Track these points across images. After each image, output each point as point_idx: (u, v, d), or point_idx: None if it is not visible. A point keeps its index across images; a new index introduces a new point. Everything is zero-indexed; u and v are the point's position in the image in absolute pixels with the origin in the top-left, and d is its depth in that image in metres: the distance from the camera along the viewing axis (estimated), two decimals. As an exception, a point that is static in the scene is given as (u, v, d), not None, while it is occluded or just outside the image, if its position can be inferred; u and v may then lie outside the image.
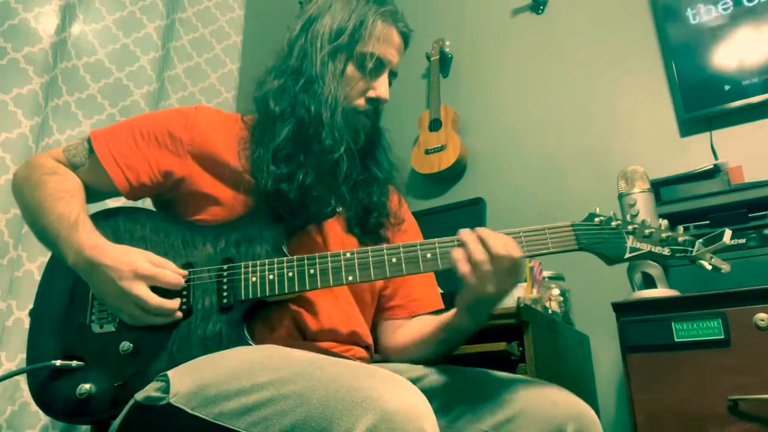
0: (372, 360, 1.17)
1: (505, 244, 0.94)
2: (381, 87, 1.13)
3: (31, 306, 1.09)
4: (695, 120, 1.92)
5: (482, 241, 0.94)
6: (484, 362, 1.29)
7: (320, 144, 1.06)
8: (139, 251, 0.99)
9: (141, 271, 0.95)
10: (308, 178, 1.05)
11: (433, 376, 1.06)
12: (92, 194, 1.12)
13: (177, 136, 1.09)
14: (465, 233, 0.97)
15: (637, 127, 2.02)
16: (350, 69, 1.11)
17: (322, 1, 1.16)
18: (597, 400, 1.83)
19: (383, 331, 1.23)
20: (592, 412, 0.98)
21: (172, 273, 0.98)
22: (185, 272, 1.00)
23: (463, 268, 0.94)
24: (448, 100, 2.33)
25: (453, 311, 1.07)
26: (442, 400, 0.99)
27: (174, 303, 0.97)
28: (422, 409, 0.73)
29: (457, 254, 0.95)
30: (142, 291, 0.95)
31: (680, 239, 0.97)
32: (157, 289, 0.97)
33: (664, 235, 0.97)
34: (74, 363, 0.99)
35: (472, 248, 0.94)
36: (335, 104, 1.08)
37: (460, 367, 1.09)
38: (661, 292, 1.38)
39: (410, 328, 1.19)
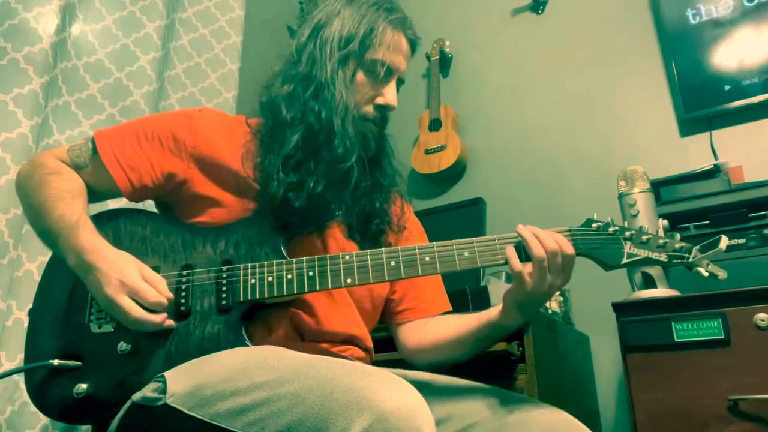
0: (371, 362, 1.16)
1: (558, 241, 0.95)
2: (389, 94, 1.12)
3: (30, 306, 1.09)
4: (695, 120, 1.91)
5: (538, 238, 0.95)
6: (484, 362, 1.29)
7: (331, 152, 1.06)
8: (135, 262, 0.98)
9: (127, 282, 0.94)
10: (318, 187, 1.05)
11: (437, 385, 1.06)
12: (94, 195, 1.12)
13: (180, 138, 1.09)
14: (522, 230, 0.97)
15: (637, 127, 2.02)
16: (360, 76, 1.11)
17: (330, 8, 1.15)
18: (597, 400, 1.83)
19: (403, 335, 1.21)
20: None
21: (155, 293, 0.96)
22: (170, 296, 0.98)
23: (517, 265, 0.95)
24: (448, 100, 2.33)
25: (497, 308, 1.05)
26: (439, 412, 0.99)
27: (157, 317, 0.96)
28: (418, 409, 0.73)
29: (511, 251, 0.96)
30: (124, 302, 0.94)
31: (677, 245, 0.97)
32: None
33: (661, 241, 0.98)
34: (72, 362, 0.99)
35: (533, 246, 0.94)
36: (346, 111, 1.08)
37: (460, 379, 1.08)
38: (661, 292, 1.38)
39: (440, 327, 1.17)
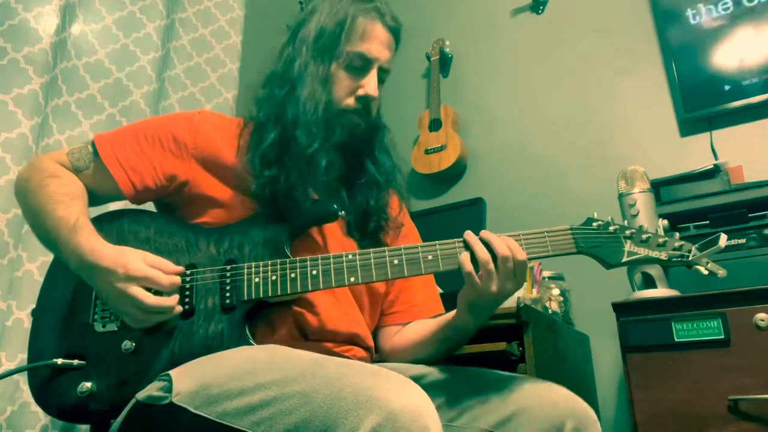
0: (372, 361, 1.17)
1: (510, 246, 0.97)
2: (369, 84, 1.12)
3: (31, 306, 1.09)
4: (695, 120, 1.92)
5: (486, 243, 0.97)
6: (484, 362, 1.29)
7: (296, 142, 1.08)
8: (135, 252, 0.98)
9: (133, 272, 0.94)
10: (291, 178, 1.06)
11: (433, 375, 1.07)
12: (95, 198, 1.12)
13: (181, 140, 1.10)
14: (469, 235, 0.99)
15: (637, 127, 2.02)
16: (334, 69, 1.12)
17: (311, 7, 1.17)
18: (597, 400, 1.83)
19: (383, 336, 1.23)
20: (591, 410, 0.99)
21: (165, 275, 0.97)
22: (180, 269, 1.00)
23: (468, 268, 0.97)
24: (448, 100, 2.33)
25: (454, 311, 1.08)
26: (441, 399, 1.00)
27: (171, 300, 0.97)
28: (426, 408, 0.74)
29: (464, 256, 0.98)
30: (137, 291, 0.94)
31: (676, 244, 0.99)
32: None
33: (661, 240, 1.00)
34: (75, 362, 0.99)
35: (477, 249, 0.97)
36: (315, 106, 1.09)
37: (460, 367, 1.10)
38: (661, 292, 1.38)
39: (410, 330, 1.20)
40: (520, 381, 1.02)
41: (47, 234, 1.02)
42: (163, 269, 0.97)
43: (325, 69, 1.11)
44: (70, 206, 1.02)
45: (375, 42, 1.13)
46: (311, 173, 1.09)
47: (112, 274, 0.94)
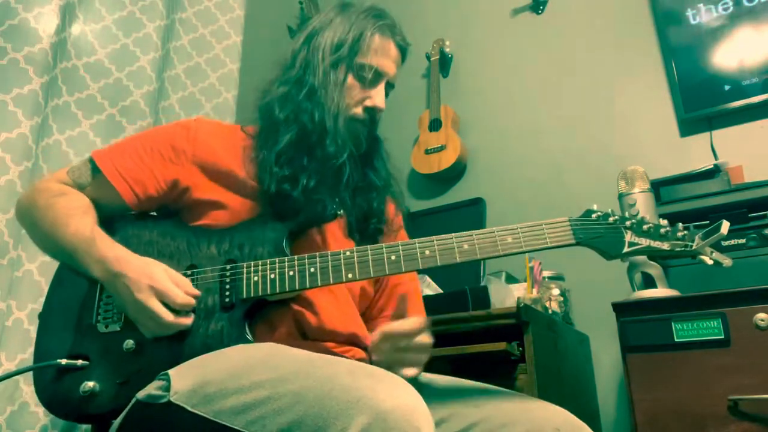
0: (371, 361, 1.17)
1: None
2: (377, 97, 1.17)
3: (31, 306, 1.09)
4: (695, 120, 1.92)
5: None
6: (484, 362, 1.29)
7: (324, 150, 1.10)
8: (160, 265, 1.00)
9: (156, 285, 0.97)
10: (311, 182, 1.08)
11: (433, 387, 1.07)
12: (100, 212, 1.12)
13: (180, 148, 1.12)
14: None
15: (637, 127, 2.02)
16: (350, 79, 1.16)
17: (324, 16, 1.22)
18: (597, 400, 1.83)
19: None
20: (585, 426, 0.98)
21: (182, 295, 0.98)
22: (197, 292, 1.01)
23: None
24: (448, 100, 2.33)
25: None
26: (440, 413, 1.00)
27: (188, 320, 0.99)
28: (417, 409, 0.74)
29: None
30: (157, 306, 0.96)
31: (679, 234, 0.96)
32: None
33: (663, 230, 0.97)
34: (79, 362, 1.00)
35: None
36: (337, 112, 1.13)
37: (460, 379, 1.10)
38: (661, 292, 1.38)
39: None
40: (526, 402, 1.02)
41: (62, 249, 1.04)
42: (183, 288, 0.99)
43: (342, 78, 1.15)
44: (83, 219, 1.05)
45: (387, 58, 1.19)
46: (334, 183, 1.12)
47: (134, 284, 0.97)
